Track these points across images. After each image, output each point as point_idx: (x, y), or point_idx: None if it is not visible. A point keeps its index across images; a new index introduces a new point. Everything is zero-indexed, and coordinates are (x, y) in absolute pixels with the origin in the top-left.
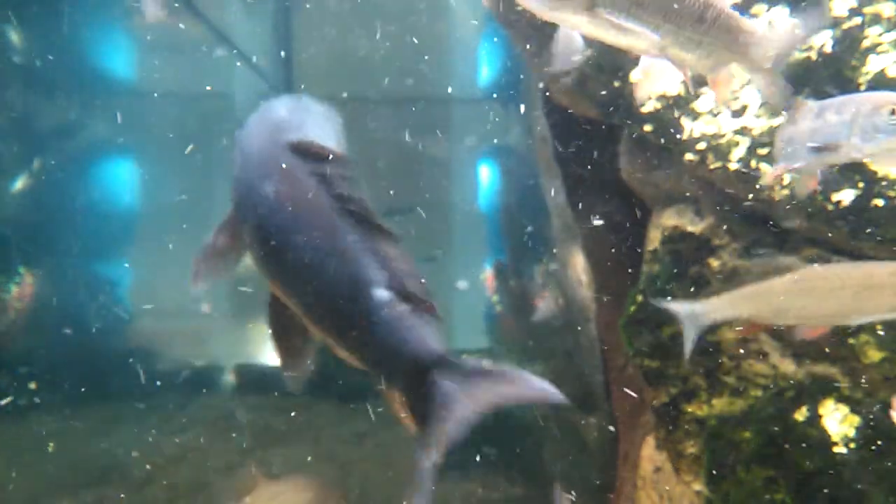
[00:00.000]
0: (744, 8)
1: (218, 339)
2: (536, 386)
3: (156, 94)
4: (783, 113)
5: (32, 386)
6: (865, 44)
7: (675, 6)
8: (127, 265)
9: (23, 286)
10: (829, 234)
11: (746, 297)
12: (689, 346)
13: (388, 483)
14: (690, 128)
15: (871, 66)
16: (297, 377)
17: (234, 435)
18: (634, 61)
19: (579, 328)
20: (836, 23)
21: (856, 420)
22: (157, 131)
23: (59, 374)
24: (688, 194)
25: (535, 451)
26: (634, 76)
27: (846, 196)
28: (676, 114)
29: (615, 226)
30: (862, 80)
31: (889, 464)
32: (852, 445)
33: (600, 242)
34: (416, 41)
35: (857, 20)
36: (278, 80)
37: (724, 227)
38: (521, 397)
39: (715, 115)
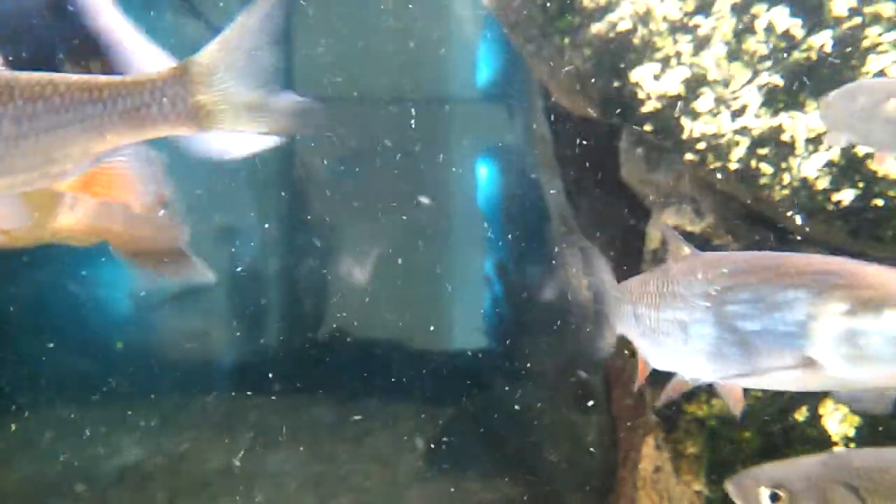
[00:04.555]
0: (743, 8)
1: (218, 338)
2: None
3: None
4: None
5: (32, 386)
6: (865, 44)
7: None
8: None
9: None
10: (829, 234)
11: None
12: None
13: (389, 483)
14: (690, 128)
15: (871, 66)
16: None
17: (234, 435)
18: (634, 61)
19: (579, 328)
20: (836, 23)
21: (856, 420)
22: None
23: (59, 374)
24: (688, 194)
25: (535, 451)
26: (635, 76)
27: (846, 196)
28: (676, 114)
29: (615, 225)
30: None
31: None
32: (852, 445)
33: (600, 242)
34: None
35: (858, 20)
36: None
37: (724, 227)
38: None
39: (715, 115)
